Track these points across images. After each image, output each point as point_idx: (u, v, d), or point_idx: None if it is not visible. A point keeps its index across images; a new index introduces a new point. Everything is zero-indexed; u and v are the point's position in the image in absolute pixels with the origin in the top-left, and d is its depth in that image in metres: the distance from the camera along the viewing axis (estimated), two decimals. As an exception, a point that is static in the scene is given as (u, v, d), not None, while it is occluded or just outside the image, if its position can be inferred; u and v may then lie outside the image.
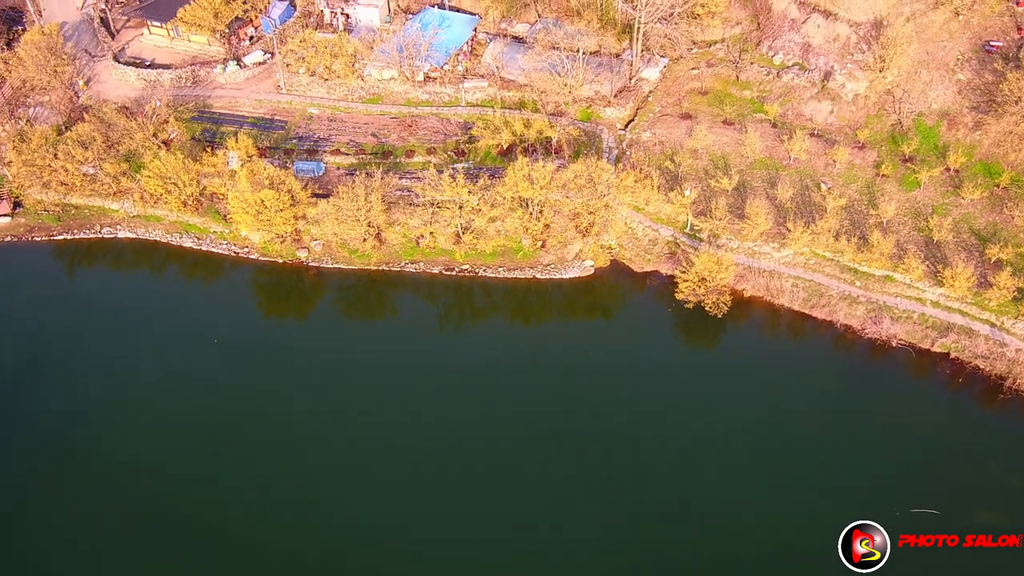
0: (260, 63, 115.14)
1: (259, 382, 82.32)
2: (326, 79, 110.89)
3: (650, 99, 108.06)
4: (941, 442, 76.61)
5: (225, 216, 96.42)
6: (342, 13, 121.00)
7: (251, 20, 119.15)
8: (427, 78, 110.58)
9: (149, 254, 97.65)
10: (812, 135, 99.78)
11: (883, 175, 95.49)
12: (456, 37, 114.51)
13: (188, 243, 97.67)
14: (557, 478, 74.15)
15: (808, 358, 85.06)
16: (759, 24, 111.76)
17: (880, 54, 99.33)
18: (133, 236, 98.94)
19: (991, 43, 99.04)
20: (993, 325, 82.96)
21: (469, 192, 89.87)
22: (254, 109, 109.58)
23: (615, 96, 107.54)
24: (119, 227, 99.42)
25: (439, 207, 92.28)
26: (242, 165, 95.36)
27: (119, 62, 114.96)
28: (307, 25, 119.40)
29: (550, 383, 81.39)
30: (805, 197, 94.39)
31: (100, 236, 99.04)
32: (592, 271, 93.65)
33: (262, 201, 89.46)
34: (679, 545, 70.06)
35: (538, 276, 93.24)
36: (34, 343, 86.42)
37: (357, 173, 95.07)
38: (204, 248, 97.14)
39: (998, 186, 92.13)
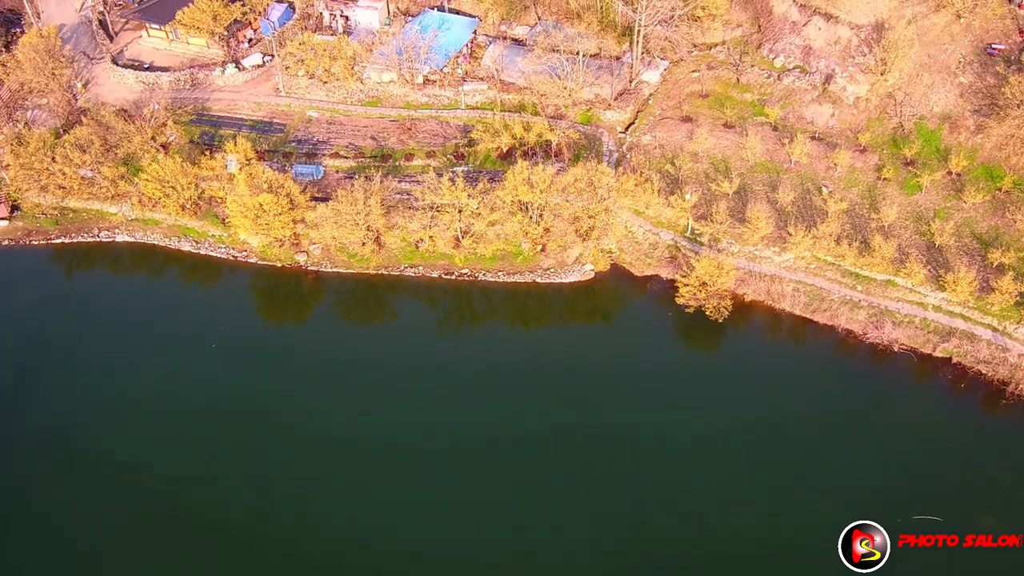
0: (259, 66, 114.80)
1: (258, 386, 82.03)
2: (325, 82, 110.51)
3: (650, 102, 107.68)
4: (942, 445, 76.34)
5: (224, 220, 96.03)
6: (341, 15, 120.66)
7: (250, 22, 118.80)
8: (426, 81, 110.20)
9: (147, 258, 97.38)
10: (813, 138, 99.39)
11: (884, 179, 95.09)
12: (455, 40, 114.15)
13: (186, 247, 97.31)
14: (557, 479, 74.02)
15: (809, 363, 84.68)
16: (760, 27, 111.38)
17: (881, 57, 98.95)
18: (131, 240, 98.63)
19: (993, 46, 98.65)
20: (995, 330, 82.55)
21: (468, 196, 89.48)
22: (253, 112, 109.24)
23: (615, 99, 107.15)
24: (117, 231, 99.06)
25: (438, 211, 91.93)
26: (241, 168, 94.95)
27: (117, 64, 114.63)
28: (306, 27, 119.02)
29: (550, 387, 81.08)
30: (806, 201, 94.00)
31: (98, 240, 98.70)
32: (592, 275, 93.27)
33: (261, 205, 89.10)
34: (679, 545, 70.01)
35: (538, 280, 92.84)
36: (32, 346, 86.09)
37: (356, 176, 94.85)
38: (202, 252, 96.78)
39: (1000, 190, 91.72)
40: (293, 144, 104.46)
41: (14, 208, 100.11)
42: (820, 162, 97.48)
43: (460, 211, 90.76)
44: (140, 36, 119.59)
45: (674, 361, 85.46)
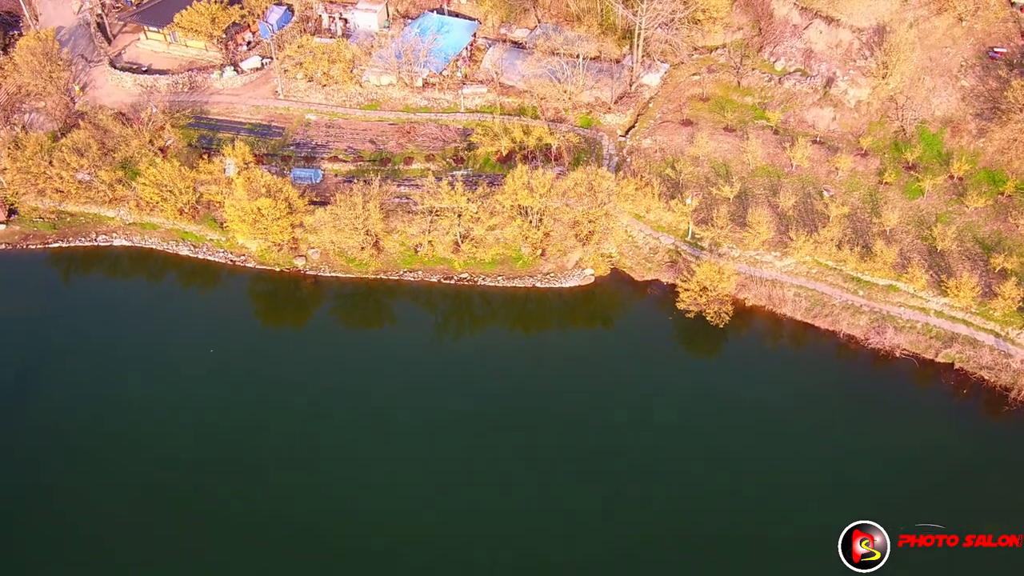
0: (258, 69, 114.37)
1: (256, 390, 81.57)
2: (324, 85, 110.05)
3: (651, 105, 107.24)
4: (944, 450, 75.87)
5: (222, 224, 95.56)
6: (340, 18, 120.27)
7: (249, 25, 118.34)
8: (426, 84, 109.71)
9: (145, 262, 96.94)
10: (814, 142, 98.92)
11: (886, 183, 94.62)
12: (455, 43, 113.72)
13: (184, 251, 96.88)
14: (557, 484, 73.63)
15: (811, 368, 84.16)
16: (761, 30, 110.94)
17: (883, 60, 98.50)
18: (129, 244, 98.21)
19: (995, 49, 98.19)
20: (998, 335, 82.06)
21: (468, 200, 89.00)
22: (251, 115, 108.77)
23: (615, 102, 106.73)
24: (115, 235, 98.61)
25: (438, 215, 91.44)
26: (239, 172, 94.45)
27: (115, 67, 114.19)
28: (305, 30, 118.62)
29: (550, 392, 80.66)
30: (807, 205, 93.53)
31: (96, 244, 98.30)
32: (592, 280, 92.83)
33: (259, 209, 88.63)
34: (680, 546, 69.73)
35: (538, 285, 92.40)
36: (29, 351, 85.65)
37: (355, 180, 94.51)
38: (200, 256, 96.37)
39: (1002, 194, 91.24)
40: (292, 148, 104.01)
41: (11, 212, 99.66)
42: (821, 166, 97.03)
43: (459, 215, 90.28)
44: (138, 39, 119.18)
45: (675, 366, 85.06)
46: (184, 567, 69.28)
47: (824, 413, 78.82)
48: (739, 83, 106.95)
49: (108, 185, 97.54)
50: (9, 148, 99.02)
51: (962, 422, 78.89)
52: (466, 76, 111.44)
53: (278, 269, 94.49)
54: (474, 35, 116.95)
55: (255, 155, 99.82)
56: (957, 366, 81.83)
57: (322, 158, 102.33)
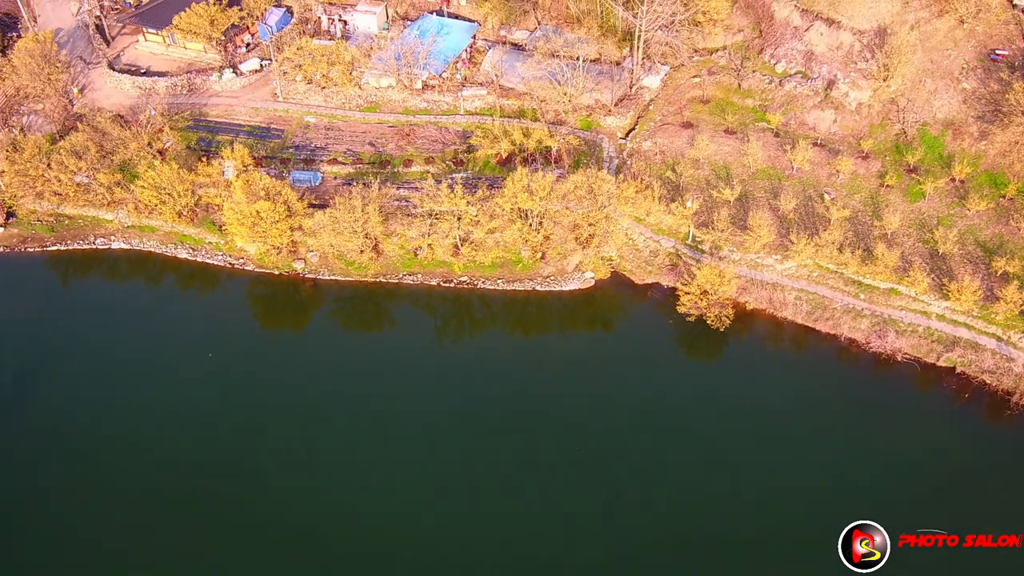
0: (257, 71, 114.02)
1: (254, 393, 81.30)
2: (323, 87, 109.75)
3: (651, 108, 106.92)
4: (945, 453, 75.56)
5: (220, 227, 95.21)
6: (340, 20, 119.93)
7: (248, 27, 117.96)
8: (425, 86, 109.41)
9: (143, 265, 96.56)
10: (815, 145, 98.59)
11: (887, 185, 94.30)
12: (455, 44, 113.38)
13: (183, 254, 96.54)
14: (557, 487, 73.39)
15: (812, 372, 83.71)
16: (761, 32, 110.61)
17: (884, 62, 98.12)
18: (127, 247, 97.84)
19: (996, 52, 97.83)
20: (1000, 339, 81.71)
21: (468, 203, 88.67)
22: (250, 117, 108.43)
23: (615, 105, 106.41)
24: (113, 238, 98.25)
25: (437, 218, 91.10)
26: (238, 175, 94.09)
27: (114, 69, 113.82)
28: (304, 32, 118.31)
29: (550, 395, 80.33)
30: (808, 208, 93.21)
31: (94, 247, 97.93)
32: (592, 283, 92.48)
33: (258, 212, 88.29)
34: (680, 546, 69.53)
35: (538, 288, 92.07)
36: (27, 355, 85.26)
37: (354, 183, 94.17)
38: (199, 259, 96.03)
39: (1004, 197, 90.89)
40: (291, 150, 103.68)
41: (9, 215, 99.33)
42: (822, 169, 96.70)
43: (459, 218, 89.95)
44: (137, 41, 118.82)
45: (675, 370, 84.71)
46: (182, 570, 69.00)
47: (825, 417, 78.48)
48: (740, 85, 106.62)
49: (106, 188, 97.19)
50: (7, 151, 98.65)
51: (964, 426, 78.45)
52: (466, 78, 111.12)
53: (277, 272, 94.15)
54: (474, 37, 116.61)
55: (254, 158, 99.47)
56: (959, 370, 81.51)
57: (321, 160, 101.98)
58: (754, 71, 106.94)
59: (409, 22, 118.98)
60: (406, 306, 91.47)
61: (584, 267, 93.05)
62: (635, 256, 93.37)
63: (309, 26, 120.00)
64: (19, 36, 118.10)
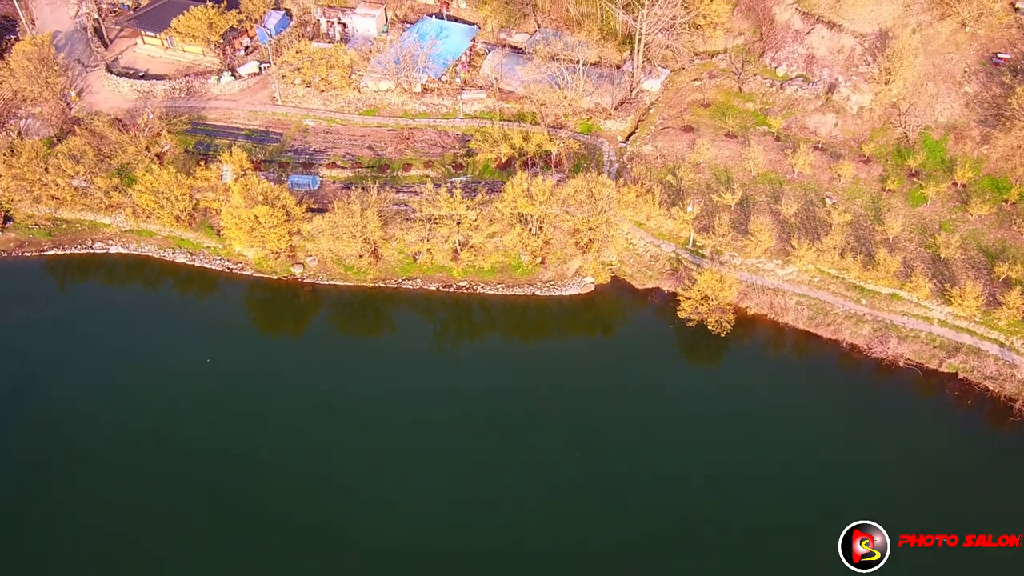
0: (255, 74, 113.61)
1: (252, 398, 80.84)
2: (322, 90, 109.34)
3: (651, 111, 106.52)
4: (947, 458, 75.15)
5: (219, 231, 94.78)
6: (339, 23, 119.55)
7: (246, 30, 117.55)
8: (424, 89, 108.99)
9: (141, 270, 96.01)
10: (816, 149, 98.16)
11: (889, 190, 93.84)
12: (454, 48, 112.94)
13: (181, 259, 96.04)
14: (557, 490, 73.18)
15: (813, 377, 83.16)
16: (762, 35, 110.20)
17: (885, 66, 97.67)
18: (125, 251, 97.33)
19: (999, 55, 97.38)
20: (1002, 345, 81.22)
21: (467, 207, 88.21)
22: (249, 121, 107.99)
23: (616, 108, 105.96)
24: (111, 242, 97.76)
25: (436, 222, 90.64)
26: (236, 179, 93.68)
27: (112, 73, 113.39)
28: (303, 35, 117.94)
29: (549, 400, 79.83)
30: (809, 212, 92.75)
31: (92, 251, 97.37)
32: (592, 288, 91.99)
33: (256, 217, 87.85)
34: (681, 546, 69.38)
35: (537, 293, 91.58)
36: (25, 359, 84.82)
37: (353, 187, 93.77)
38: (197, 264, 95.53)
39: (1006, 201, 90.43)
40: (289, 154, 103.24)
41: (6, 219, 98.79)
42: (823, 173, 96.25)
43: (458, 223, 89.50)
44: (135, 44, 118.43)
45: (676, 375, 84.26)
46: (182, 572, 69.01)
47: (826, 421, 78.04)
48: (740, 89, 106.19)
49: (104, 192, 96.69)
50: (4, 154, 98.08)
51: (966, 432, 78.04)
52: (465, 81, 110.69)
53: (275, 277, 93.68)
54: (473, 40, 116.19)
55: (252, 161, 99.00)
56: (961, 376, 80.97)
57: (320, 164, 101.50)
58: (755, 75, 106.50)
59: (408, 25, 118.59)
60: (405, 311, 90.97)
61: (584, 272, 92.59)
62: (635, 261, 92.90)
63: (308, 29, 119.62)
64: (17, 39, 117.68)
